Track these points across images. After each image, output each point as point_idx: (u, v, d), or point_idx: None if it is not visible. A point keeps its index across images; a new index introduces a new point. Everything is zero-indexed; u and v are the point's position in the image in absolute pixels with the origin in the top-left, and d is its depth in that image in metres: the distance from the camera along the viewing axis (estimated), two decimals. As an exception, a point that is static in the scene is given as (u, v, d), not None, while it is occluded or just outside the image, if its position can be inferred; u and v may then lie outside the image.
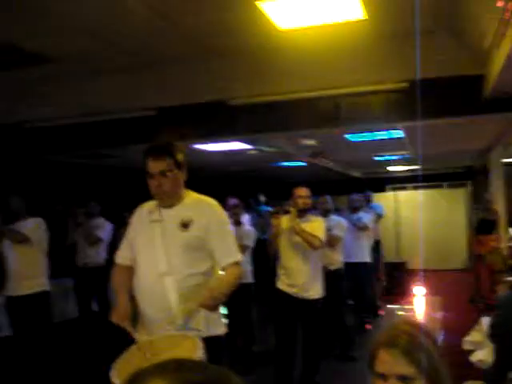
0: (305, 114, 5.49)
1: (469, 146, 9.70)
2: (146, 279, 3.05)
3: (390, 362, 1.66)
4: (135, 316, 3.08)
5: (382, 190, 15.08)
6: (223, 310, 3.23)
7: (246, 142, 7.41)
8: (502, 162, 10.27)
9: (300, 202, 5.22)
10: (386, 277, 10.90)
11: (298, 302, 5.11)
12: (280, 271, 5.29)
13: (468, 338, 5.34)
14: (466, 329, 5.58)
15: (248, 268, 6.39)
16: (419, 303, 7.80)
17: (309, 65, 5.11)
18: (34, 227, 5.81)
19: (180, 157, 3.11)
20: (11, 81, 5.57)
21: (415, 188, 14.97)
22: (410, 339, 1.68)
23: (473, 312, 8.11)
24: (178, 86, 5.51)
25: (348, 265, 6.91)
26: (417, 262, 11.63)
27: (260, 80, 5.31)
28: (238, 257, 3.14)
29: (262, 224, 9.17)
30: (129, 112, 5.81)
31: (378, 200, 12.08)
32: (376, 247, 9.38)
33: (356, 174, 13.98)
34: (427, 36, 4.64)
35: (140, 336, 2.98)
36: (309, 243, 4.99)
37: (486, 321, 4.95)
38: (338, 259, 6.58)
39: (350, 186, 12.12)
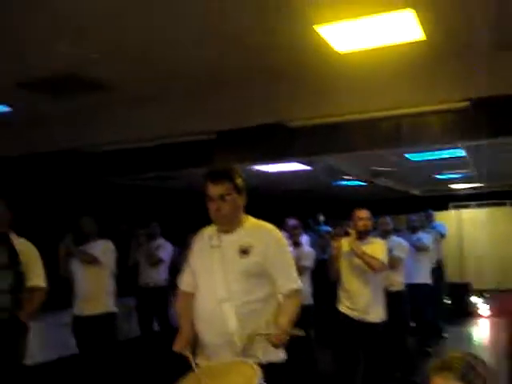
0: (365, 134, 5.46)
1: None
2: (205, 305, 3.06)
3: None
4: (195, 341, 3.11)
5: (444, 208, 14.72)
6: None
7: (304, 163, 7.41)
8: None
9: (360, 224, 5.17)
10: (449, 298, 10.64)
11: (360, 325, 5.04)
12: (341, 294, 5.24)
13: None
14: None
15: (307, 289, 6.35)
16: (484, 325, 7.60)
17: (369, 86, 5.09)
18: (103, 249, 5.96)
19: (239, 181, 3.14)
20: (74, 108, 5.75)
21: (478, 206, 14.59)
22: (464, 364, 1.66)
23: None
24: (237, 108, 5.57)
25: (409, 286, 6.79)
26: (481, 283, 11.32)
27: (319, 101, 5.31)
28: (299, 284, 3.13)
29: (322, 244, 9.10)
30: (188, 136, 5.91)
31: (440, 219, 11.84)
32: (438, 268, 9.16)
33: (416, 192, 13.74)
34: (488, 53, 4.57)
35: (199, 361, 3.01)
36: (369, 266, 4.93)
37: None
38: (399, 281, 6.48)
39: (410, 204, 11.94)
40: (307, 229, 9.27)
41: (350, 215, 5.36)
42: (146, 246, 7.51)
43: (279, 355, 3.08)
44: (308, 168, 7.77)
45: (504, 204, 14.46)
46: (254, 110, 5.53)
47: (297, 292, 3.10)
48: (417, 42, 4.29)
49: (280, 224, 6.46)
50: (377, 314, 5.10)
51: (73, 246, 5.86)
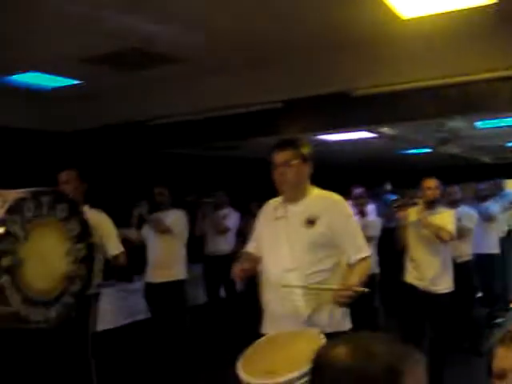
0: (431, 102, 5.33)
1: None
2: (271, 275, 3.11)
3: (508, 358, 1.62)
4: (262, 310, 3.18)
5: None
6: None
7: (369, 132, 7.32)
8: None
9: (429, 193, 5.08)
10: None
11: (427, 296, 5.00)
12: (408, 264, 5.19)
13: None
14: None
15: (373, 258, 6.33)
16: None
17: (435, 52, 4.96)
18: (175, 218, 6.13)
19: (305, 150, 3.16)
20: (140, 81, 5.85)
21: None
22: None
23: None
24: (303, 78, 5.54)
25: (476, 256, 6.67)
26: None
27: (384, 70, 5.22)
28: (367, 252, 3.14)
29: (388, 213, 8.99)
30: (255, 105, 5.92)
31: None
32: (507, 237, 8.92)
33: (486, 159, 13.33)
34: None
35: (265, 330, 3.08)
36: (437, 236, 4.85)
37: None
38: (467, 251, 6.36)
39: (479, 172, 11.59)
40: (373, 197, 9.18)
41: (417, 184, 5.28)
42: (212, 216, 7.58)
43: (345, 325, 3.11)
44: (373, 136, 7.67)
45: None
46: (318, 80, 5.49)
47: (365, 259, 3.12)
48: (486, 6, 4.14)
49: (345, 193, 6.45)
50: (445, 284, 5.04)
51: (147, 214, 6.04)
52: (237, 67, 5.61)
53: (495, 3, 4.09)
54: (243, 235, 8.04)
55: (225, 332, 7.08)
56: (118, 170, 7.86)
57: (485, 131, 7.97)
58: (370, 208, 7.22)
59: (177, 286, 6.11)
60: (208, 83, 5.88)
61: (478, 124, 7.32)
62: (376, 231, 6.57)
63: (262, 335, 3.05)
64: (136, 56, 5.00)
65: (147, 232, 6.15)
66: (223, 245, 7.66)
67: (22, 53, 4.81)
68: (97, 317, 4.56)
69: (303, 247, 3.03)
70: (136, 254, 6.09)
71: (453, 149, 9.68)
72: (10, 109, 6.29)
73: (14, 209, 2.98)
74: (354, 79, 5.36)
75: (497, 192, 8.71)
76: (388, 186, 10.49)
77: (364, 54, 5.19)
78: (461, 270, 5.82)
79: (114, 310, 6.58)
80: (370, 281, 5.89)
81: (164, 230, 6.01)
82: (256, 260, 3.27)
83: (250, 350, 2.71)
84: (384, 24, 4.50)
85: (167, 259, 6.08)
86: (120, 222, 5.50)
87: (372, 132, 7.31)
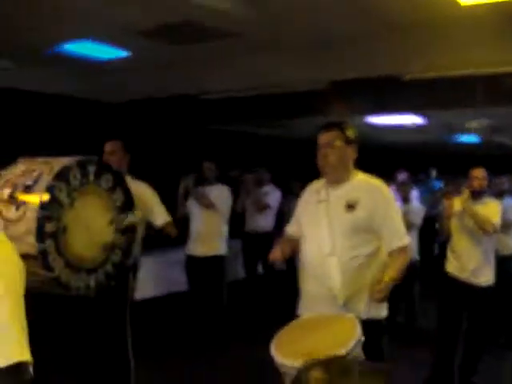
0: (485, 90, 5.21)
1: None
2: (310, 258, 3.11)
3: None
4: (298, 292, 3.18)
5: None
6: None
7: (419, 117, 7.20)
8: None
9: (475, 183, 4.95)
10: None
11: (467, 287, 4.91)
12: (450, 254, 5.11)
13: None
14: None
15: (414, 245, 6.27)
16: None
17: (491, 40, 4.81)
18: (220, 194, 6.18)
19: (350, 133, 3.14)
20: (190, 56, 5.84)
21: None
22: None
23: None
24: (352, 60, 5.46)
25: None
26: None
27: (437, 54, 5.09)
28: (406, 240, 3.10)
29: (432, 200, 8.87)
30: (302, 85, 5.88)
31: None
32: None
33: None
34: None
35: (301, 312, 3.08)
36: (481, 227, 4.75)
37: None
38: (510, 245, 6.23)
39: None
40: (418, 183, 9.06)
41: (464, 172, 5.18)
42: (254, 192, 7.56)
43: (381, 312, 3.09)
44: (422, 122, 7.55)
45: None
46: (369, 62, 5.40)
47: (404, 248, 3.08)
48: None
49: (389, 177, 6.39)
50: (486, 277, 4.94)
51: (193, 187, 6.10)
52: (288, 45, 5.55)
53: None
54: (283, 214, 8.08)
55: (261, 309, 7.13)
56: (166, 143, 7.94)
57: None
58: (414, 194, 7.13)
59: (217, 261, 6.18)
60: (258, 60, 5.84)
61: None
62: (418, 218, 6.48)
63: (298, 316, 3.07)
64: (188, 29, 4.98)
65: (192, 205, 6.21)
66: (263, 222, 7.65)
67: (74, 21, 4.84)
68: (135, 286, 4.64)
69: (343, 232, 3.02)
70: (179, 225, 6.17)
71: (502, 138, 9.47)
72: (62, 77, 6.38)
73: (61, 176, 3.02)
74: (405, 63, 5.27)
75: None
76: (434, 173, 10.34)
77: (417, 37, 5.06)
78: (503, 264, 5.71)
79: (153, 279, 6.69)
80: (410, 268, 5.89)
81: (208, 205, 6.06)
82: (295, 243, 3.27)
83: (284, 331, 2.73)
84: (441, 8, 4.38)
85: (209, 233, 6.15)
86: (167, 193, 5.57)
87: (420, 117, 7.20)
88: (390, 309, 3.17)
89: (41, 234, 2.88)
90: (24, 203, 2.94)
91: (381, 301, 2.92)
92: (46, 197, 2.92)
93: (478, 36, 4.80)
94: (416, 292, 6.75)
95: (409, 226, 5.79)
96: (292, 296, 3.47)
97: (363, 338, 2.47)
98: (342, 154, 3.08)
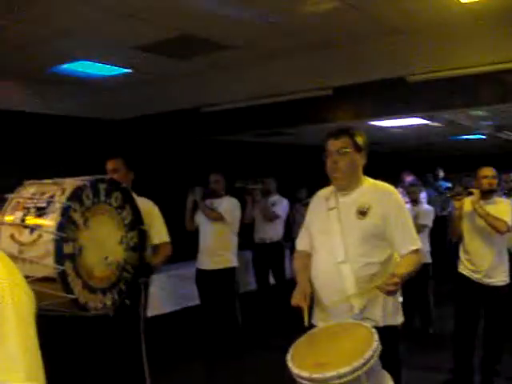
0: (489, 88, 5.18)
1: None
2: (323, 267, 3.07)
3: None
4: (313, 302, 3.14)
5: None
6: (400, 299, 3.18)
7: (423, 118, 7.17)
8: None
9: (485, 182, 4.91)
10: None
11: (482, 288, 4.86)
12: (462, 255, 5.06)
13: None
14: None
15: (425, 248, 6.22)
16: None
17: (492, 37, 4.79)
18: (229, 206, 6.12)
19: (360, 139, 3.10)
20: (193, 68, 5.84)
21: None
22: None
23: None
24: (355, 64, 5.44)
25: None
26: None
27: (440, 55, 5.08)
28: (419, 244, 3.07)
29: (441, 201, 8.83)
30: (305, 92, 5.86)
31: None
32: None
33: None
34: None
35: (316, 321, 3.04)
36: (494, 227, 4.70)
37: None
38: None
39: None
40: (425, 184, 9.02)
41: (469, 170, 5.14)
42: (261, 202, 7.48)
43: (397, 318, 3.05)
44: (427, 122, 7.52)
45: None
46: (373, 66, 5.40)
47: (416, 252, 3.04)
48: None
49: (395, 179, 6.35)
50: (500, 277, 4.89)
51: (201, 201, 6.06)
52: (288, 54, 5.55)
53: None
54: (291, 222, 8.04)
55: (274, 320, 7.08)
56: (171, 157, 7.92)
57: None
58: (423, 196, 7.10)
59: (228, 273, 6.12)
60: (258, 70, 5.84)
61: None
62: (429, 220, 6.45)
63: (313, 326, 3.03)
64: (187, 43, 5.00)
65: (200, 218, 6.17)
66: (272, 232, 7.58)
67: (73, 42, 4.85)
68: (147, 303, 4.60)
69: (355, 239, 2.98)
70: (188, 239, 6.14)
71: (509, 135, 9.44)
72: (62, 97, 6.40)
73: (74, 196, 3.01)
74: (410, 65, 5.25)
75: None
76: (441, 173, 10.27)
77: (420, 39, 5.06)
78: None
79: (164, 295, 6.65)
80: (423, 271, 5.85)
81: (216, 218, 6.02)
82: (309, 260, 3.22)
83: (300, 342, 2.69)
84: (442, 8, 4.37)
85: (219, 246, 6.10)
86: (174, 208, 5.53)
87: (427, 119, 7.17)
88: (405, 314, 3.14)
89: (60, 256, 2.87)
90: (38, 226, 2.92)
91: (390, 293, 2.85)
92: (61, 218, 2.91)
93: (480, 33, 4.78)
94: (430, 295, 6.70)
95: (419, 228, 5.76)
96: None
97: (381, 347, 2.43)
98: (352, 160, 3.05)
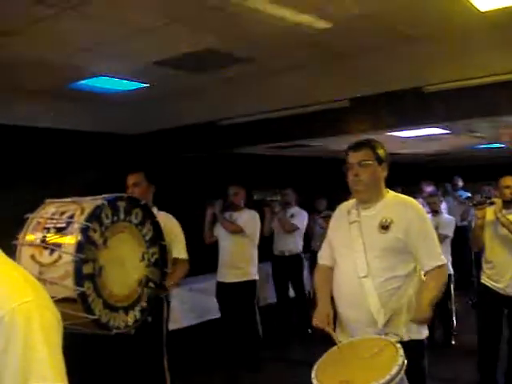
0: (507, 97, 5.12)
1: None
2: (345, 281, 3.05)
3: None
4: (335, 317, 3.11)
5: None
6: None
7: (442, 128, 7.12)
8: None
9: (507, 192, 4.86)
10: None
11: (504, 298, 4.80)
12: (485, 265, 5.00)
13: None
14: None
15: (447, 258, 6.15)
16: None
17: (511, 46, 4.75)
18: (249, 219, 6.11)
19: (381, 152, 3.09)
20: (209, 82, 5.85)
21: None
22: None
23: None
24: (371, 75, 5.42)
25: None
26: None
27: (458, 64, 5.04)
28: (443, 260, 3.03)
29: (461, 210, 8.74)
30: (321, 104, 5.84)
31: None
32: None
33: None
34: None
35: (339, 336, 3.01)
36: (517, 236, 4.66)
37: None
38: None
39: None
40: (444, 194, 8.94)
41: (488, 179, 5.09)
42: (280, 215, 7.43)
43: (421, 332, 3.02)
44: (445, 132, 7.46)
45: None
46: (389, 76, 5.36)
47: (441, 268, 3.01)
48: None
49: (414, 189, 6.29)
50: (524, 286, 4.84)
51: (220, 214, 6.05)
52: (304, 66, 5.54)
53: None
54: (310, 234, 7.98)
55: (296, 333, 7.05)
56: (188, 171, 7.94)
57: None
58: (443, 206, 7.04)
59: (248, 286, 6.10)
60: (273, 83, 5.83)
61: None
62: (450, 230, 6.39)
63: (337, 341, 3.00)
64: (203, 58, 5.01)
65: (219, 231, 6.16)
66: (291, 244, 7.49)
67: (90, 57, 4.88)
68: (169, 317, 4.59)
69: (378, 253, 2.96)
70: (209, 252, 6.13)
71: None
72: (79, 113, 6.42)
73: (93, 216, 3.02)
74: (426, 75, 5.21)
75: None
76: (460, 182, 10.18)
77: (437, 48, 5.02)
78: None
79: (185, 309, 6.64)
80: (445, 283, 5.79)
81: (236, 230, 6.01)
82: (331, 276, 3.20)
83: (324, 358, 2.66)
84: (460, 17, 4.33)
85: (239, 259, 6.07)
86: (192, 222, 5.52)
87: (445, 129, 7.11)
88: (427, 326, 3.11)
89: (79, 277, 2.88)
90: (58, 246, 2.93)
91: (424, 323, 2.85)
92: (80, 239, 2.91)
93: (499, 42, 4.74)
94: (452, 306, 6.63)
95: (441, 239, 5.70)
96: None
97: (406, 362, 2.40)
98: (373, 173, 3.03)
